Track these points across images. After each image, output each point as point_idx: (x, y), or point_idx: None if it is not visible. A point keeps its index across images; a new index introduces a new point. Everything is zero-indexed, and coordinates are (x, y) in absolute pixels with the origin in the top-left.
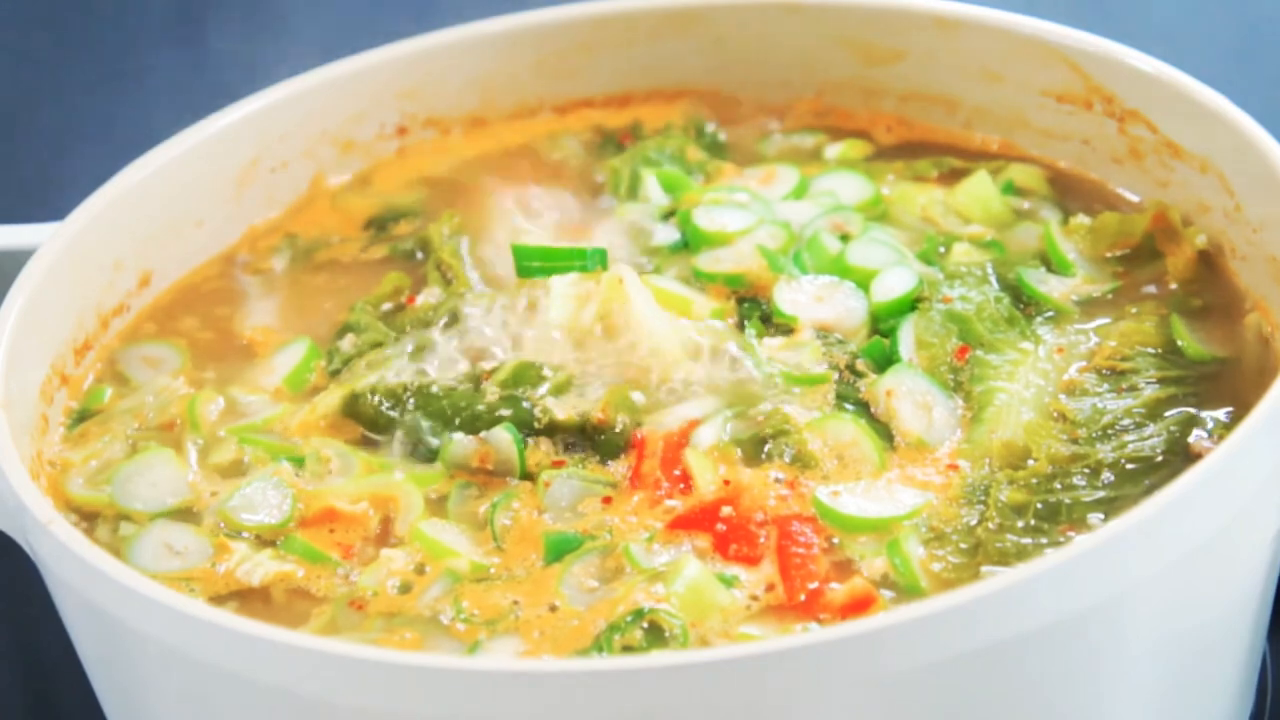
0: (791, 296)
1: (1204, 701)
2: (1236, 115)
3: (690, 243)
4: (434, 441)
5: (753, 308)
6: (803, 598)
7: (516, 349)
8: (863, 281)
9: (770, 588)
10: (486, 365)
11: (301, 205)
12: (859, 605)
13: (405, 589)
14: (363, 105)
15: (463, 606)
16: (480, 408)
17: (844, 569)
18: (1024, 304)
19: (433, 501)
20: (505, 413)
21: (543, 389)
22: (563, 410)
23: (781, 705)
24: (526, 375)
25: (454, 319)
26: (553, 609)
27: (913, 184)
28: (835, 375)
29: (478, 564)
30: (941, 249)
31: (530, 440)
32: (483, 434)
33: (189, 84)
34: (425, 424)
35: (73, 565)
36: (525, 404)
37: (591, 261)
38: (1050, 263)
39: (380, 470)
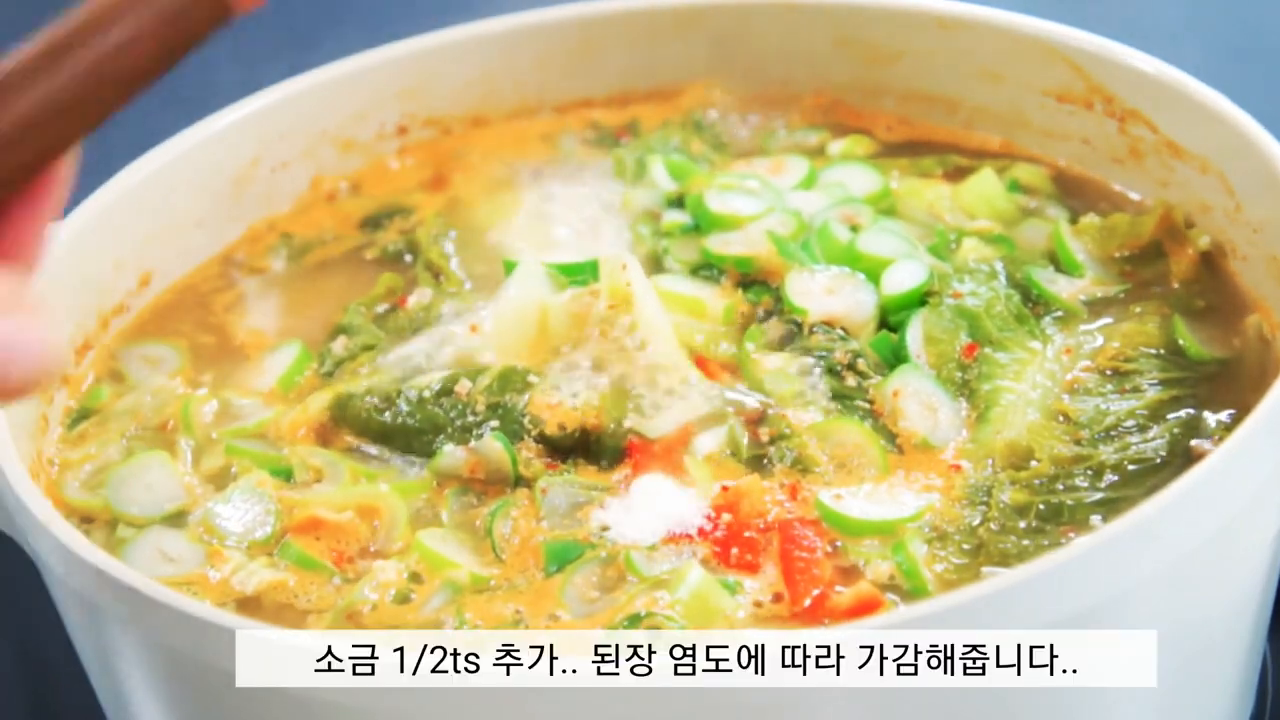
0: (803, 287)
1: (1204, 701)
2: (1236, 115)
3: (700, 225)
4: (427, 451)
5: (762, 291)
6: (807, 603)
7: (494, 353)
8: (873, 271)
9: (775, 594)
10: (467, 382)
11: (301, 205)
12: (864, 609)
13: (403, 599)
14: (363, 105)
15: (465, 618)
16: (471, 416)
17: (848, 573)
18: (1032, 303)
19: (420, 511)
20: (494, 423)
21: (529, 395)
22: (553, 423)
23: (783, 705)
24: (512, 381)
25: (439, 321)
26: (555, 619)
27: (919, 180)
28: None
29: (478, 575)
30: (953, 244)
31: (522, 446)
32: (472, 444)
33: (188, 84)
34: (418, 430)
35: (72, 565)
36: (515, 413)
37: (586, 276)
38: (1059, 263)
39: (367, 479)
